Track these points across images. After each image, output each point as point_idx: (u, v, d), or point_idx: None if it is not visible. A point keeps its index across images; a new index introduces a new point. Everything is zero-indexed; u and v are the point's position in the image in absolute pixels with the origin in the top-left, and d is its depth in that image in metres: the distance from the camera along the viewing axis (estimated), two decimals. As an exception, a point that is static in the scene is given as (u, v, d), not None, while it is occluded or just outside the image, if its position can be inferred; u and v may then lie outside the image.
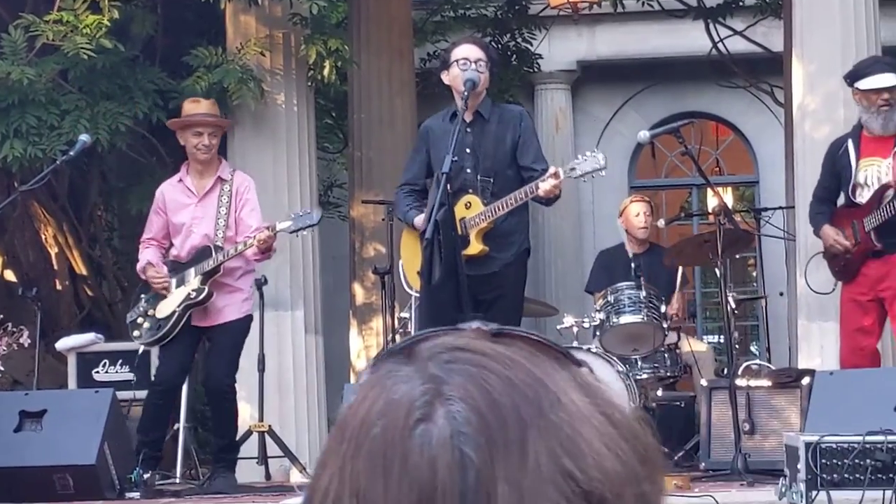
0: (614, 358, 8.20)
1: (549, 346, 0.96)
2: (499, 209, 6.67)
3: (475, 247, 6.73)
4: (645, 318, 8.59)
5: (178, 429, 8.51)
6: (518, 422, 0.90)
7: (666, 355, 8.90)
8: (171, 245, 7.75)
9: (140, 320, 7.69)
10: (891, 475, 5.46)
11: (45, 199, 11.58)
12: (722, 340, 12.29)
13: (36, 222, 11.94)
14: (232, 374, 7.58)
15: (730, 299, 7.92)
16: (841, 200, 7.62)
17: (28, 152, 9.44)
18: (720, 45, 13.36)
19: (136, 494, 6.97)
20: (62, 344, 9.24)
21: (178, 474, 8.23)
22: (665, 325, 8.64)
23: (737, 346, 8.39)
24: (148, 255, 7.74)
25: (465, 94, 6.66)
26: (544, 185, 6.47)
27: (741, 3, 13.37)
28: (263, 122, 9.63)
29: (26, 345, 8.89)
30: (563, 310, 9.93)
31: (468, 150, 6.81)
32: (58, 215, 11.86)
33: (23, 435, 6.97)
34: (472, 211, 6.74)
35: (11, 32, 9.51)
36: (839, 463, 5.50)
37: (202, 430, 10.34)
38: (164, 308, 7.57)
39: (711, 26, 13.30)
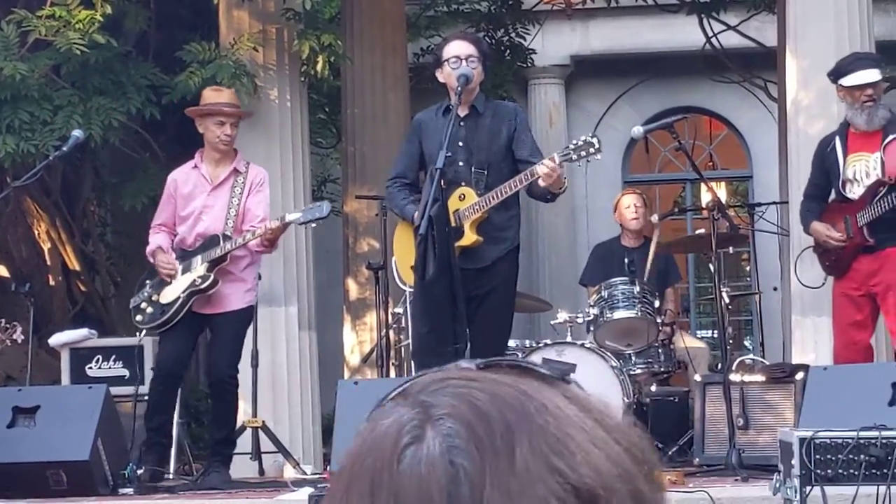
0: (608, 353, 8.19)
1: (534, 370, 0.97)
2: (494, 198, 6.67)
3: (469, 237, 6.73)
4: (639, 314, 8.59)
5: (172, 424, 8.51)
6: (505, 428, 0.90)
7: (660, 350, 8.90)
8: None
9: (143, 305, 7.69)
10: (885, 470, 5.45)
11: (37, 195, 11.57)
12: (716, 335, 12.29)
13: (29, 218, 11.92)
14: (234, 365, 7.59)
15: (723, 294, 7.92)
16: (833, 196, 7.63)
17: (21, 148, 9.43)
18: (714, 40, 13.36)
19: (129, 490, 6.96)
20: (55, 339, 9.22)
21: (171, 470, 8.22)
22: (659, 321, 8.64)
23: (730, 342, 8.39)
24: (159, 239, 7.73)
25: (459, 89, 6.67)
26: (541, 169, 6.47)
27: (735, -2, 13.38)
28: (256, 117, 9.60)
29: (19, 341, 8.86)
30: (557, 305, 9.93)
31: (461, 144, 6.81)
32: (51, 211, 11.84)
33: (16, 431, 6.96)
34: (466, 202, 6.74)
35: (4, 28, 9.49)
36: (833, 458, 5.50)
37: (195, 425, 10.35)
38: (169, 294, 7.58)
39: (705, 21, 13.31)
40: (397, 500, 0.88)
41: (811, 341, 8.45)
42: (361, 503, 0.89)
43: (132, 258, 12.58)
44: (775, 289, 11.89)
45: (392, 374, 9.09)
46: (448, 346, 6.54)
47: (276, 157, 9.56)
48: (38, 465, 6.74)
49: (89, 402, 6.99)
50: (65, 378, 8.99)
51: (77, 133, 8.05)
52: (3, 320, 8.88)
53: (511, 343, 7.87)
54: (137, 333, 8.29)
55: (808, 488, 5.43)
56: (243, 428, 8.10)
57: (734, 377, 7.52)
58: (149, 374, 8.87)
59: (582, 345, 8.22)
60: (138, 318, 7.72)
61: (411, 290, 7.08)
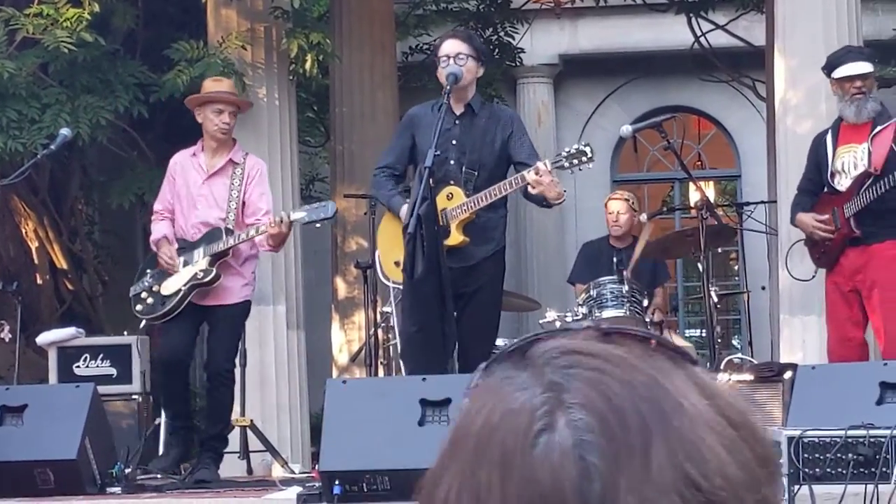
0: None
1: (661, 345, 0.93)
2: (483, 200, 6.67)
3: (455, 237, 6.72)
4: (627, 313, 8.59)
5: (159, 423, 8.50)
6: (642, 428, 0.87)
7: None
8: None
9: (144, 295, 7.67)
10: (873, 469, 5.46)
11: (25, 194, 11.54)
12: (704, 334, 12.30)
13: (16, 216, 11.89)
14: (231, 360, 7.60)
15: (712, 293, 7.93)
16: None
17: (8, 146, 9.40)
18: (702, 40, 13.37)
19: (117, 489, 6.94)
20: (43, 338, 9.20)
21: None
22: (647, 320, 8.65)
23: (719, 341, 8.40)
24: (163, 227, 7.71)
25: (448, 87, 6.66)
26: (530, 176, 6.46)
27: (723, -2, 13.40)
28: (245, 115, 9.58)
29: (7, 339, 8.87)
30: (546, 304, 9.93)
31: (454, 142, 6.81)
32: (38, 209, 11.82)
33: (3, 430, 6.94)
34: (454, 202, 6.74)
35: (-9, 26, 9.47)
36: (821, 457, 5.50)
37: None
38: (171, 285, 7.56)
39: (694, 20, 13.32)
40: (530, 485, 0.86)
41: (799, 340, 8.46)
42: (492, 473, 0.87)
43: (120, 257, 12.57)
44: (763, 288, 11.90)
45: (380, 372, 9.08)
46: (436, 345, 6.54)
47: (264, 155, 9.51)
48: (26, 463, 6.72)
49: (77, 401, 6.97)
50: (52, 377, 8.97)
51: (65, 131, 8.03)
52: (-9, 319, 8.87)
53: (499, 342, 7.86)
54: (136, 325, 8.25)
55: (796, 487, 5.43)
56: (231, 427, 8.08)
57: (722, 376, 7.53)
58: (136, 374, 8.87)
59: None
60: (138, 307, 7.71)
61: (394, 285, 7.08)
